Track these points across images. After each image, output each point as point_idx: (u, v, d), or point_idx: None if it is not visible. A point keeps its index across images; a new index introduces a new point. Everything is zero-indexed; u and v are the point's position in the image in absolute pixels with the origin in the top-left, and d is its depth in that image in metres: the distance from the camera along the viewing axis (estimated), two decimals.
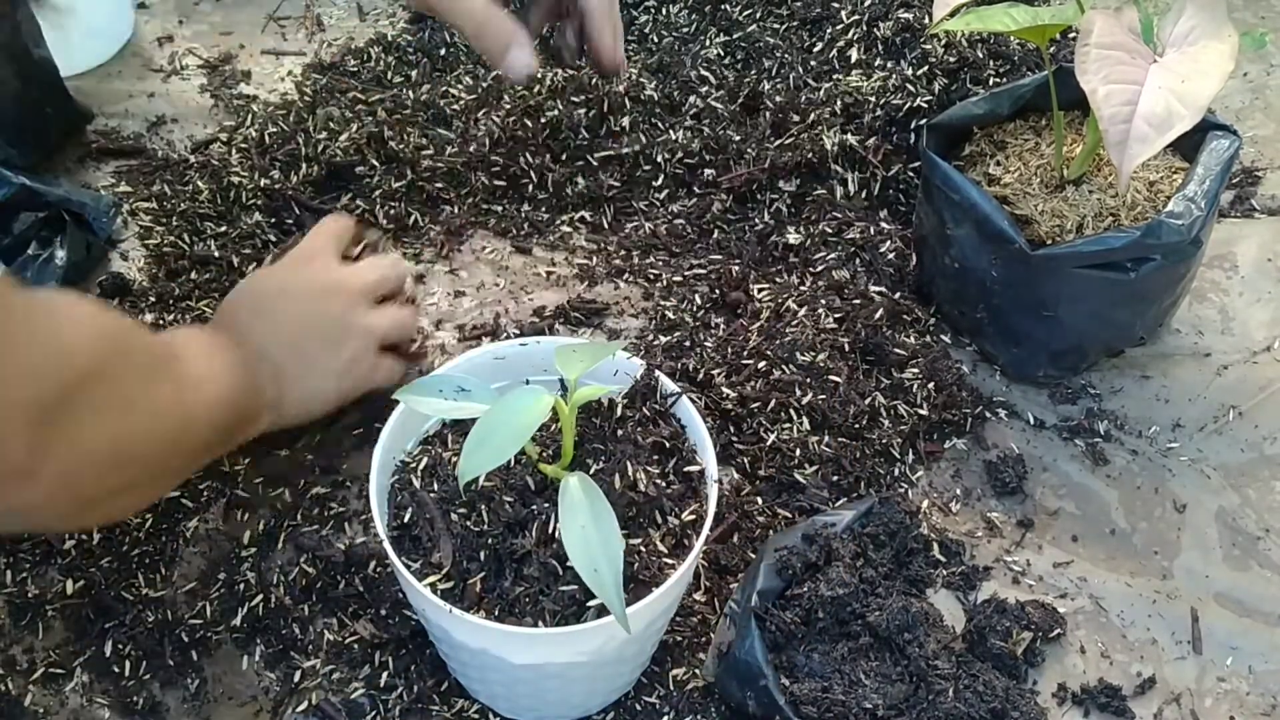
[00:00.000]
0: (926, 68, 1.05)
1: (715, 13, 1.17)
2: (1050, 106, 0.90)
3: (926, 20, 1.08)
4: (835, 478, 0.85)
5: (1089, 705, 0.76)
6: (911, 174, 1.03)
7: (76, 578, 0.77)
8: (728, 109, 1.08)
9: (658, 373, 0.74)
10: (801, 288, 0.95)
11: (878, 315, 0.92)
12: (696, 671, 0.76)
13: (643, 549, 0.66)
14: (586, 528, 0.60)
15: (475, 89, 1.10)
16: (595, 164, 1.05)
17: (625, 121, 1.06)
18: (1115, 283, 0.84)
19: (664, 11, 1.19)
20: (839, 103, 1.05)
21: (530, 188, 1.04)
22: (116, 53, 1.18)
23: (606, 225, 1.03)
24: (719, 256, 0.99)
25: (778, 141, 1.04)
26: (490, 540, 0.66)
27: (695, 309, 0.95)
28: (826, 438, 0.86)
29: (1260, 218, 1.05)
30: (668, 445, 0.71)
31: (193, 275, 0.97)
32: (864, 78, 1.07)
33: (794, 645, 0.72)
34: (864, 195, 1.03)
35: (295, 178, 1.03)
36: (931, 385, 0.90)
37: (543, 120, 1.05)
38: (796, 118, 1.05)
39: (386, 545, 0.65)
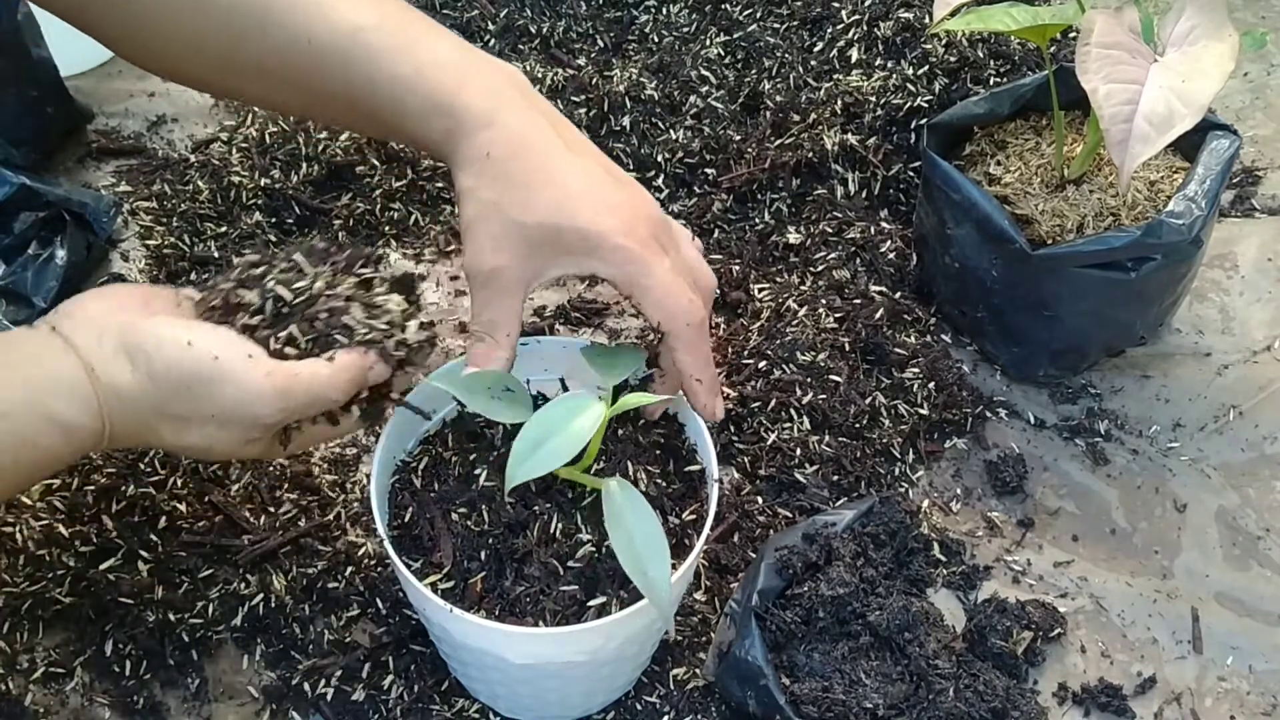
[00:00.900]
0: (927, 67, 1.05)
1: (715, 12, 1.17)
2: (1051, 106, 0.90)
3: (927, 20, 1.08)
4: (835, 477, 0.85)
5: (1089, 705, 0.76)
6: (912, 174, 1.03)
7: (76, 578, 0.77)
8: (728, 109, 1.08)
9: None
10: (802, 287, 0.95)
11: (878, 315, 0.92)
12: (697, 671, 0.76)
13: None
14: (632, 532, 0.60)
15: None
16: None
17: (625, 121, 1.06)
18: (1116, 282, 0.84)
19: (664, 11, 1.19)
20: (839, 102, 1.05)
21: None
22: None
23: None
24: (719, 256, 0.99)
25: (778, 141, 1.04)
26: (491, 540, 0.66)
27: None
28: (827, 437, 0.86)
29: (1260, 217, 1.05)
30: (668, 445, 0.71)
31: (193, 275, 0.97)
32: (864, 77, 1.07)
33: (794, 645, 0.72)
34: (864, 195, 1.03)
35: (296, 177, 1.03)
36: (932, 385, 0.90)
37: None
38: (797, 117, 1.05)
39: (387, 545, 0.65)
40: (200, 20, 0.67)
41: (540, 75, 1.09)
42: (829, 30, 1.13)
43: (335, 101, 0.69)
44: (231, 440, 0.64)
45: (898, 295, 0.96)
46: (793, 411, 0.86)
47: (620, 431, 0.70)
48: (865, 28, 1.11)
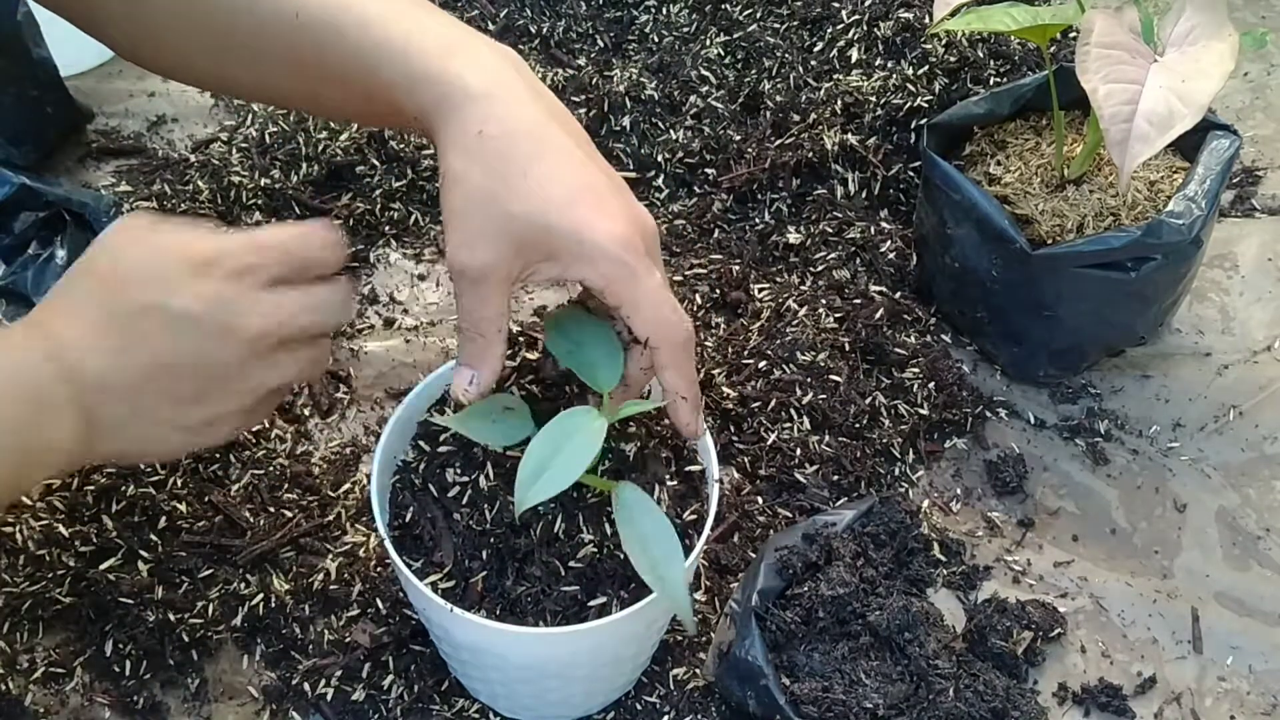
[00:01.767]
0: (927, 67, 1.05)
1: (715, 12, 1.17)
2: (1051, 106, 0.90)
3: (927, 20, 1.08)
4: (835, 477, 0.85)
5: (1089, 705, 0.76)
6: (912, 174, 1.03)
7: (76, 578, 0.77)
8: (728, 108, 1.08)
9: None
10: (802, 287, 0.95)
11: (878, 315, 0.92)
12: (697, 671, 0.76)
13: None
14: (647, 537, 0.60)
15: None
16: None
17: (625, 121, 1.06)
18: (1116, 282, 0.84)
19: (664, 11, 1.19)
20: (839, 102, 1.05)
21: None
22: None
23: None
24: (719, 256, 0.99)
25: (778, 141, 1.04)
26: (492, 540, 0.66)
27: (695, 308, 0.95)
28: (827, 437, 0.86)
29: (1260, 217, 1.05)
30: (668, 445, 0.71)
31: None
32: (864, 77, 1.07)
33: (794, 645, 0.72)
34: (864, 195, 1.03)
35: (296, 177, 1.03)
36: (932, 385, 0.90)
37: None
38: (797, 117, 1.05)
39: (387, 545, 0.65)
40: (193, 5, 0.67)
41: (540, 75, 1.09)
42: (829, 30, 1.13)
43: (327, 79, 0.66)
44: (190, 419, 0.61)
45: (898, 295, 0.96)
46: (793, 411, 0.86)
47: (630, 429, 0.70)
48: (865, 28, 1.11)
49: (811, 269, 0.98)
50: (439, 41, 0.63)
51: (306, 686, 0.75)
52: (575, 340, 0.66)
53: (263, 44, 0.66)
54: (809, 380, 0.87)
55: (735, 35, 1.14)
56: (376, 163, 1.04)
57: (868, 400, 0.88)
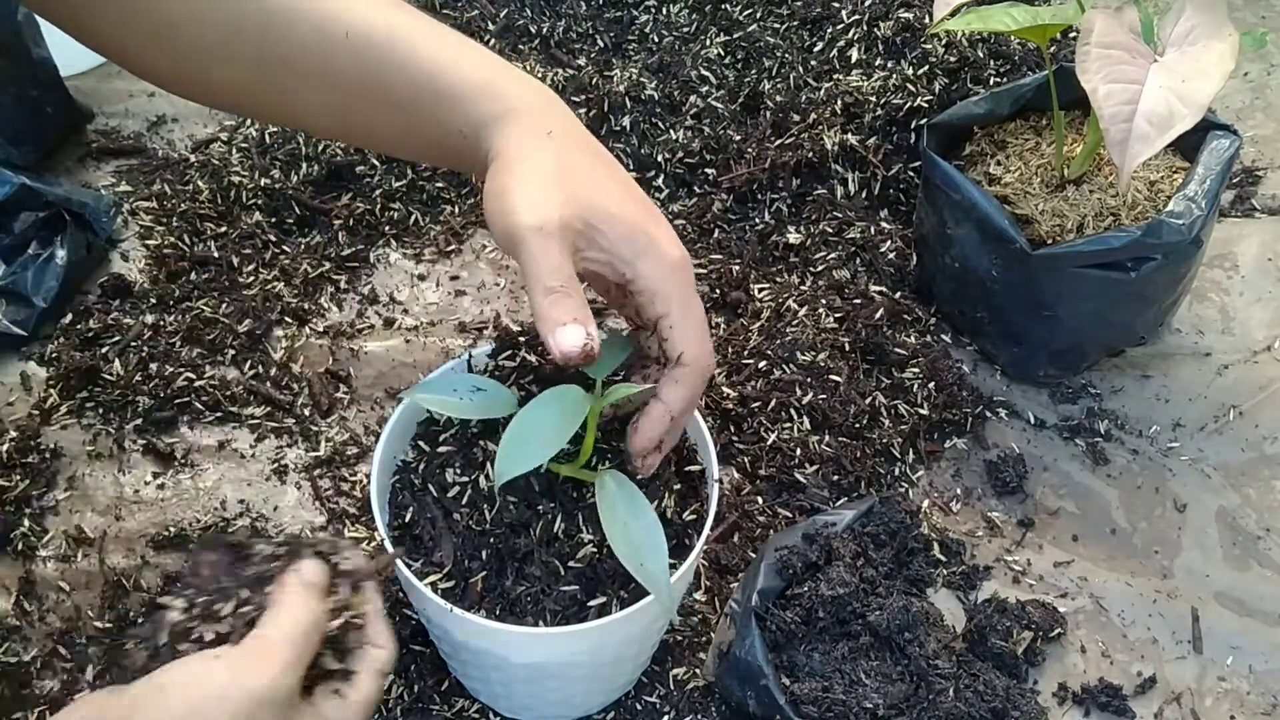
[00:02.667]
0: (927, 67, 1.05)
1: (715, 12, 1.17)
2: (1051, 106, 0.90)
3: (927, 20, 1.08)
4: (835, 477, 0.85)
5: (1089, 705, 0.76)
6: (912, 174, 1.03)
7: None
8: (728, 109, 1.08)
9: None
10: (802, 287, 0.95)
11: (878, 315, 0.92)
12: (697, 671, 0.76)
13: None
14: (629, 525, 0.60)
15: None
16: None
17: (625, 121, 1.06)
18: (1115, 282, 0.84)
19: (664, 11, 1.19)
20: (839, 102, 1.05)
21: None
22: None
23: None
24: (719, 256, 0.99)
25: (778, 141, 1.04)
26: (492, 540, 0.66)
27: None
28: (827, 437, 0.86)
29: (1260, 217, 1.05)
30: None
31: (192, 275, 0.97)
32: (864, 77, 1.07)
33: (794, 645, 0.72)
34: (864, 195, 1.03)
35: (295, 177, 1.03)
36: (932, 385, 0.90)
37: None
38: (797, 117, 1.05)
39: (388, 545, 0.65)
40: (227, 29, 0.64)
41: (540, 75, 1.09)
42: (829, 30, 1.13)
43: (369, 94, 0.65)
44: None
45: (898, 295, 0.96)
46: (793, 411, 0.86)
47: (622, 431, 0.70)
48: (865, 28, 1.11)
49: (811, 269, 0.98)
50: (488, 62, 0.65)
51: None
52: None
53: (299, 63, 0.65)
54: (809, 380, 0.87)
55: (735, 35, 1.14)
56: (376, 162, 1.04)
57: (868, 400, 0.88)
